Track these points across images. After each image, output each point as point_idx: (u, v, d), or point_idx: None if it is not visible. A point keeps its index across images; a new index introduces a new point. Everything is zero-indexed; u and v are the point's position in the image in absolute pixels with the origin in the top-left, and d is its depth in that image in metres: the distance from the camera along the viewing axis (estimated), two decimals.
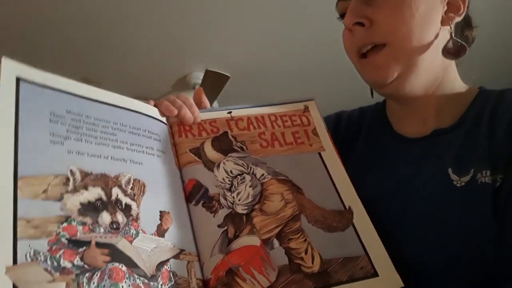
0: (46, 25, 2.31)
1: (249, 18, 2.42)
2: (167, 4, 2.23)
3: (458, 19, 0.65)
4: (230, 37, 2.59)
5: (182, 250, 0.53)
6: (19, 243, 0.40)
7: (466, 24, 0.68)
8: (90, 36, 2.45)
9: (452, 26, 0.65)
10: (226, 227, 0.56)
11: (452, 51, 0.64)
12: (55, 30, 2.35)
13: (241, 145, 0.65)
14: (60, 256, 0.42)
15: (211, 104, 2.78)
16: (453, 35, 0.64)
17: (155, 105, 0.64)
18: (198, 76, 2.91)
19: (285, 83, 3.17)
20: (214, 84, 2.66)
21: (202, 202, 0.58)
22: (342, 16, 0.69)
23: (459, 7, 0.65)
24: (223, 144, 0.64)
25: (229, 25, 2.47)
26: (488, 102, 0.64)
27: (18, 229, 0.40)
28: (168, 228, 0.53)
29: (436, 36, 0.63)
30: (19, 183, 0.42)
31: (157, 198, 0.54)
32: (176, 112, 0.63)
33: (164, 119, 0.64)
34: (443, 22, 0.64)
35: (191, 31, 2.49)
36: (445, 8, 0.64)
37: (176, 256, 0.52)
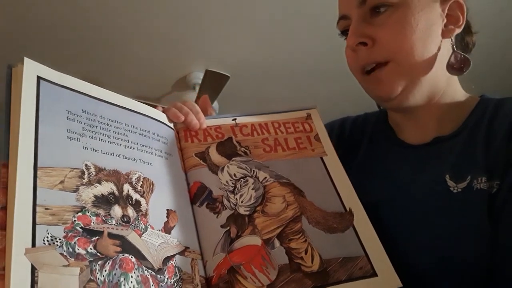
0: (46, 25, 2.32)
1: (249, 18, 2.44)
2: (167, 4, 2.25)
3: (458, 30, 0.67)
4: (230, 37, 2.60)
5: (187, 248, 0.55)
6: (37, 227, 0.42)
7: (466, 31, 0.69)
8: (90, 36, 2.46)
9: (453, 38, 0.66)
10: (228, 227, 0.58)
11: (456, 66, 0.66)
12: (55, 30, 2.36)
13: (245, 150, 0.67)
14: (75, 243, 0.44)
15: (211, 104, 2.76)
16: (455, 48, 0.66)
17: (163, 111, 0.67)
18: (198, 76, 2.91)
19: (285, 83, 3.18)
20: (214, 84, 2.65)
21: (206, 203, 0.61)
22: (343, 33, 0.71)
23: (458, 18, 0.66)
24: (228, 148, 0.67)
25: (229, 25, 2.49)
26: (487, 110, 0.65)
27: (37, 215, 0.42)
28: (174, 225, 0.55)
29: (438, 49, 0.65)
30: (39, 172, 0.45)
31: (164, 197, 0.57)
32: (183, 118, 0.66)
33: (171, 125, 0.67)
34: (444, 35, 0.65)
35: (191, 31, 2.50)
36: (445, 20, 0.65)
37: (181, 253, 0.54)
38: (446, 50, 0.66)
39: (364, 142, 0.80)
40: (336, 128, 0.84)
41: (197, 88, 2.81)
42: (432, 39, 0.64)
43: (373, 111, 0.86)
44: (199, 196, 0.61)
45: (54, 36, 2.43)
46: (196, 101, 2.70)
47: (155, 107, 0.66)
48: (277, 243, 0.58)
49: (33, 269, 0.39)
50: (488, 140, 0.61)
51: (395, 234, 0.62)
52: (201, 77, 2.74)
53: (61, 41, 2.48)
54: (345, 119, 0.88)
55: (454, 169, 0.62)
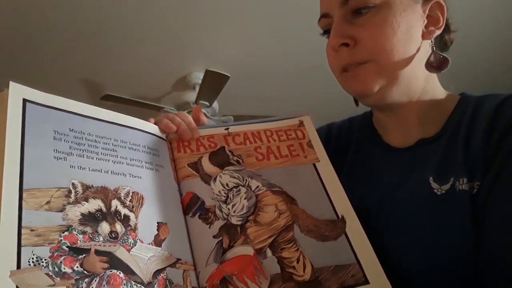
0: (46, 26, 2.35)
1: (249, 18, 2.45)
2: (167, 4, 2.27)
3: (438, 32, 0.67)
4: (230, 37, 2.62)
5: (178, 259, 0.55)
6: (23, 249, 0.43)
7: (445, 29, 0.69)
8: (90, 37, 2.49)
9: (433, 40, 0.67)
10: (221, 238, 0.59)
11: (435, 65, 0.67)
12: (56, 30, 2.39)
13: (238, 159, 0.68)
14: (61, 262, 0.45)
15: (211, 104, 2.72)
16: (434, 49, 0.67)
17: (155, 123, 0.68)
18: (198, 76, 2.93)
19: (285, 83, 3.19)
20: (214, 84, 2.65)
21: (198, 214, 0.61)
22: (325, 32, 0.71)
23: (439, 19, 0.67)
24: (220, 158, 0.67)
25: (229, 25, 2.50)
26: (468, 109, 0.66)
27: (22, 237, 0.44)
28: (165, 238, 0.56)
29: (418, 50, 0.65)
30: (24, 195, 0.46)
31: (155, 210, 0.57)
32: (175, 128, 0.67)
33: (163, 136, 0.67)
34: (424, 36, 0.66)
35: (191, 31, 2.52)
36: (425, 21, 0.66)
37: (172, 265, 0.54)
38: (425, 50, 0.67)
39: (350, 148, 0.80)
40: (323, 135, 0.84)
41: (197, 88, 2.81)
42: (412, 40, 0.65)
43: (357, 115, 0.86)
44: (191, 206, 0.62)
45: (54, 37, 2.46)
46: (196, 101, 2.69)
47: (148, 120, 0.67)
48: (269, 252, 0.59)
49: None
50: (467, 141, 0.62)
51: (382, 239, 0.62)
52: (201, 77, 2.74)
53: (60, 42, 2.51)
54: (330, 125, 0.88)
55: (437, 171, 0.62)
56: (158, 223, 0.57)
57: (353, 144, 0.80)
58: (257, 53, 2.80)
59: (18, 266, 0.42)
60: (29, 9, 2.21)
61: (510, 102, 0.61)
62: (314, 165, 0.69)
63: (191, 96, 2.95)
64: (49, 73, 2.73)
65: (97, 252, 0.48)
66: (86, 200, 0.51)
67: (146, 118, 0.66)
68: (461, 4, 2.49)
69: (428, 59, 0.67)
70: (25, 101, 0.51)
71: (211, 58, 2.81)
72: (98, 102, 2.72)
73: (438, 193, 0.60)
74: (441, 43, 0.70)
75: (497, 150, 0.58)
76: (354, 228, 0.61)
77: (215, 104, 2.94)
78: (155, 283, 0.51)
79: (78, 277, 0.45)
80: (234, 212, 0.62)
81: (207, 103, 2.81)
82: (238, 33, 2.59)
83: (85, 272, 0.46)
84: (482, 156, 0.59)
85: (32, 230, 0.45)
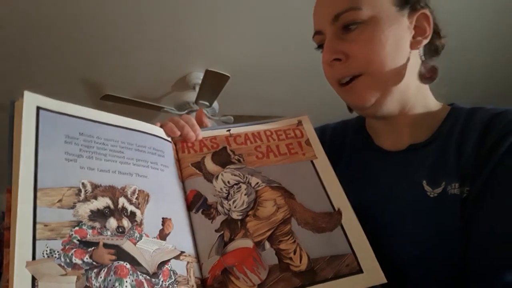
0: (47, 25, 2.36)
1: (249, 18, 2.46)
2: (167, 4, 2.28)
3: (425, 41, 0.70)
4: (230, 37, 2.62)
5: (182, 252, 0.60)
6: (37, 243, 0.48)
7: (434, 36, 0.72)
8: (90, 37, 2.50)
9: (421, 50, 0.70)
10: (222, 232, 0.63)
11: (428, 76, 0.71)
12: (56, 29, 2.40)
13: (239, 157, 0.72)
14: (72, 254, 0.50)
15: (211, 104, 2.72)
16: (423, 58, 0.70)
17: (161, 126, 0.72)
18: (198, 76, 2.92)
19: (285, 83, 3.19)
20: (214, 84, 2.63)
21: (201, 210, 0.65)
22: (319, 46, 0.75)
23: (425, 29, 0.70)
24: (222, 157, 0.71)
25: (229, 25, 2.51)
26: (459, 119, 0.69)
27: (37, 232, 0.48)
28: (169, 232, 0.60)
29: (407, 60, 0.69)
30: (38, 193, 0.51)
31: (160, 206, 0.62)
32: (178, 133, 0.71)
33: (169, 138, 0.72)
34: (412, 46, 0.69)
35: (191, 31, 2.53)
36: (413, 32, 0.69)
37: (176, 257, 0.59)
38: (415, 60, 0.70)
39: (345, 150, 0.83)
40: (317, 136, 0.87)
41: (197, 88, 2.81)
42: (401, 52, 0.68)
43: (351, 118, 0.89)
44: (195, 203, 0.66)
45: (54, 37, 2.47)
46: (196, 101, 2.67)
47: (155, 124, 0.71)
48: (267, 245, 0.62)
49: (33, 279, 0.45)
50: (459, 149, 0.65)
51: (376, 238, 0.64)
52: (201, 77, 2.73)
53: (60, 42, 2.53)
54: (324, 127, 0.91)
55: (430, 175, 0.66)
56: (163, 218, 0.61)
57: (346, 146, 0.84)
58: (257, 53, 2.80)
59: (33, 258, 0.47)
60: (28, 9, 2.22)
61: (503, 116, 0.64)
62: (312, 162, 0.72)
63: (191, 96, 2.94)
64: (49, 73, 2.73)
65: (105, 245, 0.53)
66: (95, 198, 0.55)
67: (146, 118, 0.70)
68: (460, 7, 2.50)
69: (420, 70, 0.70)
70: (38, 108, 0.56)
71: (211, 58, 2.81)
72: (98, 102, 2.72)
73: (431, 196, 0.64)
74: (431, 50, 0.73)
75: (487, 158, 0.61)
76: (350, 219, 0.64)
77: (215, 104, 2.94)
78: (160, 274, 0.55)
79: (88, 268, 0.50)
80: (234, 207, 0.65)
81: (207, 103, 2.80)
82: (238, 33, 2.59)
83: (94, 263, 0.51)
84: (473, 163, 0.62)
85: (45, 225, 0.49)
